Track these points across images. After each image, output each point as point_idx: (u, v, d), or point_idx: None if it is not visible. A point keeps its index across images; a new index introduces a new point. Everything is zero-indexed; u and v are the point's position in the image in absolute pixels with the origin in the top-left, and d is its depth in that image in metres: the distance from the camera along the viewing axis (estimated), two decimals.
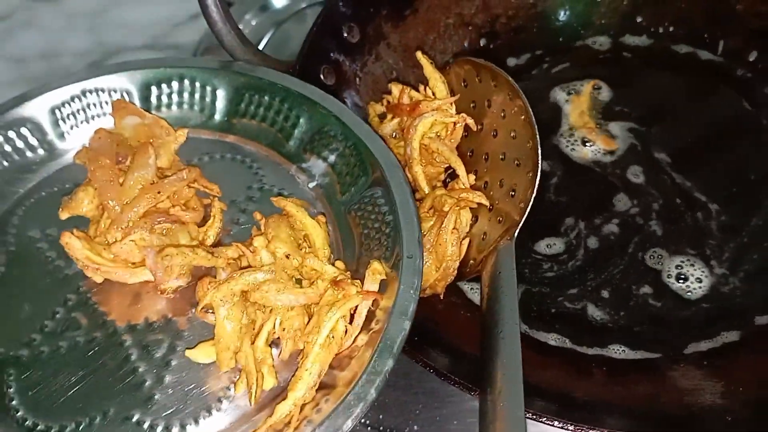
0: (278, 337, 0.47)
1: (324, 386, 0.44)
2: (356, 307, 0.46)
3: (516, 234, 0.54)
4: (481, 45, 0.76)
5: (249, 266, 0.48)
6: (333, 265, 0.48)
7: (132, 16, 0.76)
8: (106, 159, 0.52)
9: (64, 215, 0.52)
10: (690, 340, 0.57)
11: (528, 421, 0.46)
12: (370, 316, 0.47)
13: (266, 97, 0.59)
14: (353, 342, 0.45)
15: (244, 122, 0.60)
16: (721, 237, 0.62)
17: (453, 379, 0.49)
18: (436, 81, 0.62)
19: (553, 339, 0.58)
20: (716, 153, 0.68)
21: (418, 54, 0.63)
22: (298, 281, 0.47)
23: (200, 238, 0.51)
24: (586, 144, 0.69)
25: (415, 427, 0.60)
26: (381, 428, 0.60)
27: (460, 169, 0.59)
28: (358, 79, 0.69)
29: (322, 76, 0.65)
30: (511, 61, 0.76)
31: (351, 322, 0.46)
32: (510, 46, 0.76)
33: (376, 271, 0.47)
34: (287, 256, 0.47)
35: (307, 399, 0.43)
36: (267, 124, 0.59)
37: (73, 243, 0.49)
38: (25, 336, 0.48)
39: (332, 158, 0.56)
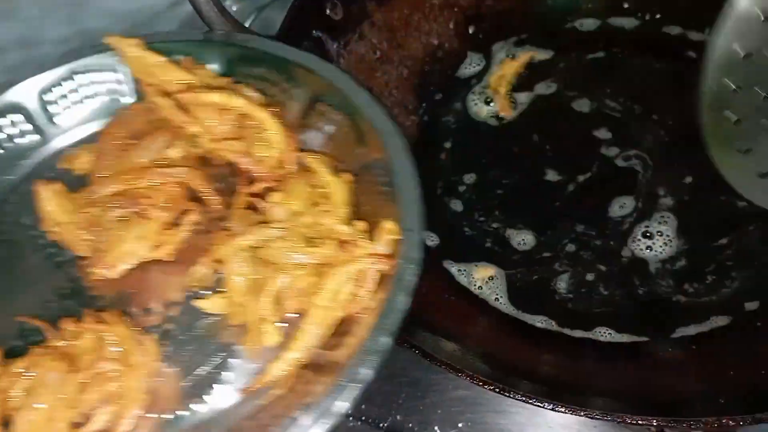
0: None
1: (318, 367, 0.43)
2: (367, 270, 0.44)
3: None
4: (470, 32, 0.76)
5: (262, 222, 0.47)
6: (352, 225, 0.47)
7: (112, 4, 0.75)
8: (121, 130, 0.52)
9: (60, 164, 0.53)
10: (678, 324, 0.57)
11: (519, 404, 0.46)
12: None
13: (260, 68, 0.57)
14: (360, 307, 0.44)
15: None
16: (708, 222, 0.62)
17: (439, 360, 0.48)
18: None
19: (540, 322, 0.59)
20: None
21: None
22: (312, 240, 0.45)
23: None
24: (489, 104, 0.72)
25: (398, 417, 0.60)
26: (363, 418, 0.60)
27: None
28: (341, 59, 0.67)
29: None
30: (497, 46, 0.76)
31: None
32: (497, 30, 0.76)
33: (387, 231, 0.45)
34: (299, 214, 0.46)
35: (303, 361, 0.42)
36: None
37: (44, 193, 0.50)
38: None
39: (330, 129, 0.55)
